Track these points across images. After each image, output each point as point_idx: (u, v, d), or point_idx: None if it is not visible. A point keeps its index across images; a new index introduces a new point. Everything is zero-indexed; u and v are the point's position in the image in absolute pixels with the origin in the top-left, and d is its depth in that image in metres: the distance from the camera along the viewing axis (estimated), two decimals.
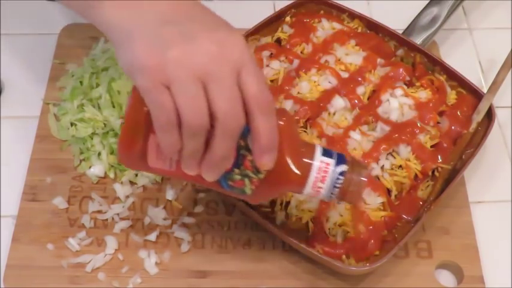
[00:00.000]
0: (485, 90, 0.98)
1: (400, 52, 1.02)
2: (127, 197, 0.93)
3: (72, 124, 0.97)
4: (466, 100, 0.97)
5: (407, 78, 0.98)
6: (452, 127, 0.94)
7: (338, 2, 1.06)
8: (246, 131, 0.67)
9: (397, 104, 0.95)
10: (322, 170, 0.71)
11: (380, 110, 0.94)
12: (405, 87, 0.97)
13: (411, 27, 1.04)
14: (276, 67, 0.99)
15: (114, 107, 0.96)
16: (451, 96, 0.98)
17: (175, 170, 0.72)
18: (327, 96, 0.95)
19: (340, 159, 0.72)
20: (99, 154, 0.95)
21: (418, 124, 0.93)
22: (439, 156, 0.92)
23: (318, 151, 0.72)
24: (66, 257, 0.88)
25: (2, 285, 0.86)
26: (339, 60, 0.99)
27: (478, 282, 0.88)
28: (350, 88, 0.96)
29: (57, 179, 0.94)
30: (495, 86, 0.96)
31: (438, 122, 0.95)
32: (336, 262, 0.82)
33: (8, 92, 1.05)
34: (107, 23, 0.70)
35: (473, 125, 0.95)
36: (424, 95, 0.96)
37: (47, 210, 0.92)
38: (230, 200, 0.89)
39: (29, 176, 0.94)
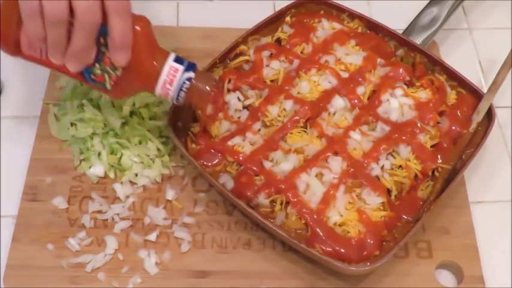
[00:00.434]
0: (485, 90, 0.98)
1: (400, 52, 1.02)
2: (127, 197, 0.93)
3: (72, 124, 0.97)
4: (466, 100, 0.97)
5: (407, 78, 0.98)
6: (452, 127, 0.94)
7: (338, 2, 1.06)
8: (107, 30, 0.76)
9: (397, 104, 0.95)
10: (171, 73, 0.81)
11: (380, 110, 0.94)
12: (405, 87, 0.97)
13: (411, 27, 1.04)
14: (276, 67, 0.99)
15: (114, 107, 0.96)
16: (451, 96, 0.98)
17: (45, 59, 0.81)
18: (327, 96, 0.95)
19: (190, 68, 0.82)
20: (99, 154, 0.95)
21: (418, 124, 0.93)
22: (439, 156, 0.92)
23: (171, 57, 0.82)
24: (66, 257, 0.88)
25: (2, 285, 0.86)
26: (339, 60, 0.99)
27: (478, 282, 0.88)
28: (350, 88, 0.96)
29: (57, 179, 0.94)
30: (495, 86, 0.96)
31: (438, 122, 0.95)
32: (336, 262, 0.83)
33: (8, 92, 1.05)
34: None
35: (473, 125, 0.95)
36: (424, 95, 0.96)
37: (47, 210, 0.92)
38: (230, 200, 0.89)
39: (29, 176, 0.94)
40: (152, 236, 0.90)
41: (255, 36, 1.03)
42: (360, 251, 0.84)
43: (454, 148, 0.93)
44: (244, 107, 0.96)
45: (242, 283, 0.87)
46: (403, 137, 0.91)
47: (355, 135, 0.92)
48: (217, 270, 0.88)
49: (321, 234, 0.85)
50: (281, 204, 0.87)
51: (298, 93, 0.96)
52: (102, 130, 0.95)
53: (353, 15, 1.06)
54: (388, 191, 0.89)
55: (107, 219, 0.91)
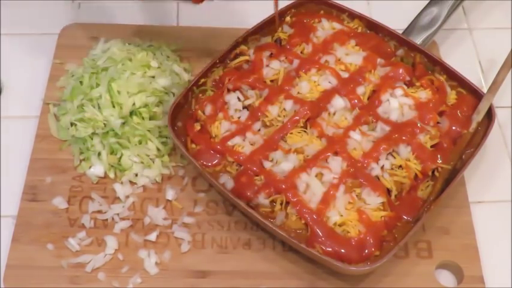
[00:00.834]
0: (485, 90, 0.98)
1: (400, 52, 1.02)
2: (127, 197, 0.93)
3: (72, 124, 0.97)
4: (466, 100, 0.97)
5: (407, 78, 0.98)
6: (453, 127, 0.94)
7: (338, 2, 1.06)
8: None
9: (397, 104, 0.95)
10: None
11: (380, 110, 0.94)
12: (405, 87, 0.97)
13: (411, 27, 1.04)
14: (276, 67, 0.99)
15: (114, 107, 0.96)
16: (451, 96, 0.98)
17: None
18: (327, 96, 0.95)
19: None
20: (99, 154, 0.95)
21: (418, 124, 0.93)
22: (439, 156, 0.92)
23: None
24: (66, 257, 0.88)
25: (2, 285, 0.86)
26: (339, 60, 0.99)
27: (478, 282, 0.88)
28: (350, 88, 0.96)
29: (57, 179, 0.94)
30: (495, 86, 0.96)
31: (438, 122, 0.95)
32: (336, 262, 0.83)
33: (8, 92, 1.05)
34: None
35: (473, 125, 0.95)
36: (424, 95, 0.96)
37: (47, 210, 0.92)
38: (230, 200, 0.89)
39: (29, 176, 0.94)
40: (152, 236, 0.90)
41: (255, 36, 1.03)
42: (360, 251, 0.84)
43: (454, 148, 0.93)
44: (244, 107, 0.96)
45: (242, 283, 0.87)
46: (403, 137, 0.91)
47: (355, 135, 0.92)
48: (217, 270, 0.88)
49: (321, 234, 0.85)
50: (281, 204, 0.87)
51: (298, 93, 0.96)
52: (102, 130, 0.95)
53: (353, 15, 1.06)
54: (388, 191, 0.89)
55: (107, 219, 0.91)
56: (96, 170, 0.95)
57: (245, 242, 0.91)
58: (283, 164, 0.89)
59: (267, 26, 1.04)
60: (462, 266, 0.89)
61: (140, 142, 0.96)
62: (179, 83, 1.02)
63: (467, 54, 1.13)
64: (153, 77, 1.00)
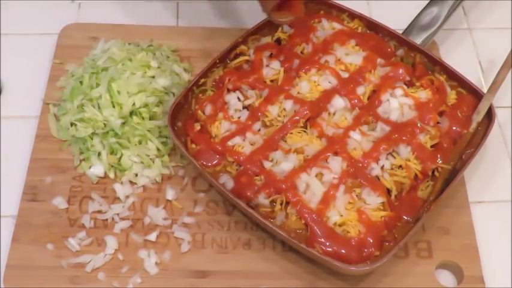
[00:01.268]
0: (485, 90, 0.98)
1: (400, 52, 1.02)
2: (127, 197, 0.93)
3: (72, 124, 0.97)
4: (466, 100, 0.97)
5: (407, 78, 0.98)
6: (453, 127, 0.94)
7: (338, 2, 1.06)
8: None
9: (397, 104, 0.95)
10: None
11: (380, 110, 0.94)
12: (405, 87, 0.97)
13: (411, 27, 1.04)
14: (276, 67, 0.99)
15: (114, 107, 0.96)
16: (451, 96, 0.98)
17: None
18: (327, 96, 0.95)
19: None
20: (99, 154, 0.95)
21: (418, 124, 0.93)
22: (439, 156, 0.92)
23: None
24: (66, 257, 0.88)
25: (2, 285, 0.86)
26: (339, 60, 0.99)
27: (478, 282, 0.88)
28: (350, 88, 0.96)
29: (57, 179, 0.94)
30: (495, 86, 0.96)
31: (438, 122, 0.95)
32: (336, 262, 0.82)
33: (8, 92, 1.05)
34: None
35: (473, 125, 0.95)
36: (424, 95, 0.96)
37: (47, 210, 0.92)
38: (230, 200, 0.89)
39: (29, 176, 0.94)
40: (152, 236, 0.90)
41: (255, 36, 1.03)
42: (360, 251, 0.84)
43: (454, 148, 0.93)
44: (244, 107, 0.96)
45: (242, 283, 0.87)
46: (403, 137, 0.91)
47: (355, 135, 0.92)
48: (217, 270, 0.88)
49: (321, 234, 0.85)
50: (281, 204, 0.87)
51: (298, 93, 0.96)
52: (102, 130, 0.95)
53: (353, 15, 1.06)
54: (388, 191, 0.89)
55: (107, 219, 0.91)
56: (96, 170, 0.95)
57: (245, 242, 0.91)
58: (283, 164, 0.89)
59: (267, 26, 1.04)
60: (462, 266, 0.89)
61: (140, 142, 0.96)
62: (179, 83, 1.02)
63: (467, 54, 1.13)
64: (153, 77, 1.00)
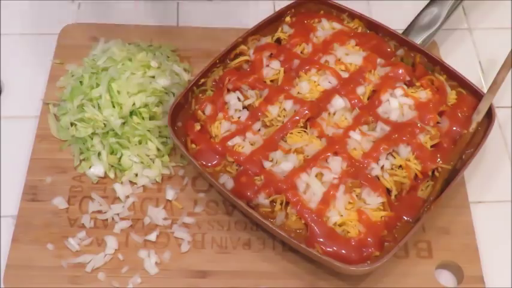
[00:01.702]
0: (485, 90, 0.98)
1: (400, 52, 1.02)
2: (127, 197, 0.93)
3: (72, 124, 0.97)
4: (466, 100, 0.97)
5: (407, 78, 0.98)
6: (453, 127, 0.94)
7: (338, 2, 1.06)
8: None
9: (397, 104, 0.95)
10: None
11: (380, 110, 0.94)
12: (405, 87, 0.97)
13: (411, 27, 1.04)
14: (276, 67, 0.99)
15: (114, 107, 0.96)
16: (451, 96, 0.98)
17: None
18: (327, 96, 0.95)
19: None
20: (99, 154, 0.95)
21: (418, 124, 0.93)
22: (439, 156, 0.92)
23: None
24: (66, 257, 0.88)
25: (2, 285, 0.86)
26: (339, 60, 0.99)
27: (478, 282, 0.88)
28: (350, 88, 0.96)
29: (57, 179, 0.94)
30: (495, 86, 0.96)
31: (438, 122, 0.95)
32: (336, 262, 0.82)
33: (8, 92, 1.05)
34: None
35: (473, 125, 0.95)
36: (424, 95, 0.96)
37: (47, 210, 0.92)
38: (230, 200, 0.89)
39: (29, 176, 0.94)
40: (152, 236, 0.90)
41: (255, 36, 1.03)
42: (360, 251, 0.84)
43: (454, 148, 0.93)
44: (244, 107, 0.96)
45: (242, 283, 0.87)
46: (403, 137, 0.91)
47: (355, 135, 0.92)
48: (217, 270, 0.88)
49: (321, 234, 0.85)
50: (281, 204, 0.87)
51: (298, 93, 0.96)
52: (102, 130, 0.95)
53: (353, 15, 1.06)
54: (388, 191, 0.89)
55: (107, 219, 0.91)
56: (96, 170, 0.95)
57: (245, 242, 0.91)
58: (283, 164, 0.89)
59: (267, 26, 1.04)
60: (462, 266, 0.89)
61: (140, 142, 0.96)
62: (179, 83, 1.02)
63: (467, 54, 1.13)
64: (153, 77, 1.00)
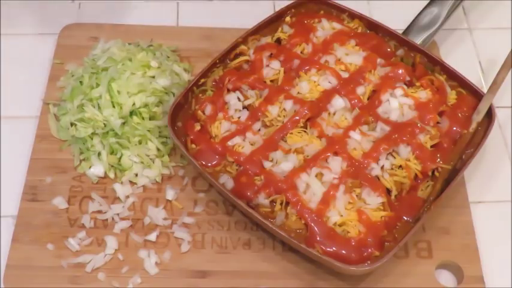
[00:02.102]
0: (485, 90, 0.98)
1: (400, 52, 1.02)
2: (127, 197, 0.93)
3: (72, 124, 0.97)
4: (466, 100, 0.97)
5: (407, 78, 0.98)
6: (453, 127, 0.94)
7: (338, 2, 1.06)
8: None
9: (397, 104, 0.95)
10: None
11: (380, 110, 0.94)
12: (405, 87, 0.96)
13: (411, 27, 1.04)
14: (276, 67, 0.99)
15: (114, 107, 0.96)
16: (451, 96, 0.98)
17: None
18: (327, 96, 0.95)
19: None
20: (99, 154, 0.95)
21: (418, 124, 0.93)
22: (439, 156, 0.92)
23: None
24: (66, 257, 0.88)
25: (2, 285, 0.86)
26: (339, 60, 0.99)
27: (478, 282, 0.88)
28: (350, 88, 0.96)
29: (57, 179, 0.94)
30: (495, 86, 0.96)
31: (438, 122, 0.95)
32: (336, 262, 0.82)
33: (8, 92, 1.05)
34: None
35: (473, 125, 0.95)
36: (424, 95, 0.96)
37: (47, 210, 0.92)
38: (230, 200, 0.89)
39: (29, 176, 0.94)
40: (152, 236, 0.90)
41: (255, 36, 1.03)
42: (360, 251, 0.84)
43: (454, 148, 0.93)
44: (244, 107, 0.96)
45: (242, 283, 0.87)
46: (403, 137, 0.91)
47: (355, 135, 0.92)
48: (217, 270, 0.88)
49: (321, 234, 0.85)
50: (281, 204, 0.87)
51: (298, 93, 0.96)
52: (102, 130, 0.95)
53: (353, 15, 1.06)
54: (388, 191, 0.89)
55: (107, 219, 0.91)
56: (96, 170, 0.95)
57: (245, 242, 0.91)
58: (283, 164, 0.89)
59: (267, 26, 1.04)
60: (462, 266, 0.89)
61: (140, 142, 0.96)
62: (179, 83, 1.02)
63: (467, 54, 1.13)
64: (153, 77, 1.00)
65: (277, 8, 1.07)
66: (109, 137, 0.95)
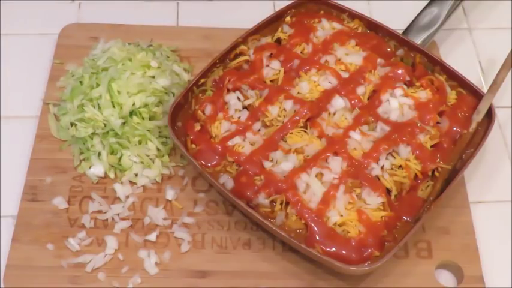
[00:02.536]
0: (485, 90, 0.98)
1: (400, 52, 1.02)
2: (127, 197, 0.93)
3: (72, 124, 0.97)
4: (466, 100, 0.97)
5: (407, 78, 0.98)
6: (453, 127, 0.94)
7: (338, 2, 1.06)
8: None
9: (397, 104, 0.95)
10: None
11: (380, 110, 0.94)
12: (405, 87, 0.97)
13: (411, 27, 1.04)
14: (276, 67, 0.99)
15: (114, 107, 0.96)
16: (451, 96, 0.98)
17: None
18: (326, 96, 0.95)
19: None
20: (99, 154, 0.95)
21: (418, 124, 0.93)
22: (439, 156, 0.92)
23: None
24: (66, 257, 0.88)
25: (2, 285, 0.86)
26: (339, 60, 0.99)
27: (478, 282, 0.88)
28: (350, 88, 0.96)
29: (57, 179, 0.94)
30: (495, 86, 0.96)
31: (438, 122, 0.95)
32: (336, 262, 0.82)
33: (8, 92, 1.05)
34: None
35: (473, 125, 0.95)
36: (424, 95, 0.96)
37: (47, 210, 0.92)
38: (230, 200, 0.89)
39: (29, 176, 0.94)
40: (152, 236, 0.90)
41: (255, 36, 1.03)
42: (360, 251, 0.84)
43: (454, 148, 0.93)
44: (244, 107, 0.96)
45: (242, 283, 0.87)
46: (403, 137, 0.91)
47: (355, 135, 0.92)
48: (217, 270, 0.88)
49: (321, 234, 0.85)
50: (281, 204, 0.87)
51: (298, 93, 0.96)
52: (102, 130, 0.95)
53: (353, 15, 1.06)
54: (388, 191, 0.89)
55: (107, 219, 0.91)
56: (96, 170, 0.95)
57: (245, 242, 0.91)
58: (283, 164, 0.89)
59: (267, 26, 1.04)
60: (462, 266, 0.89)
61: (140, 142, 0.96)
62: (179, 83, 1.02)
63: (467, 54, 1.13)
64: (153, 77, 1.00)
65: (277, 8, 1.07)
66: (109, 137, 0.95)
